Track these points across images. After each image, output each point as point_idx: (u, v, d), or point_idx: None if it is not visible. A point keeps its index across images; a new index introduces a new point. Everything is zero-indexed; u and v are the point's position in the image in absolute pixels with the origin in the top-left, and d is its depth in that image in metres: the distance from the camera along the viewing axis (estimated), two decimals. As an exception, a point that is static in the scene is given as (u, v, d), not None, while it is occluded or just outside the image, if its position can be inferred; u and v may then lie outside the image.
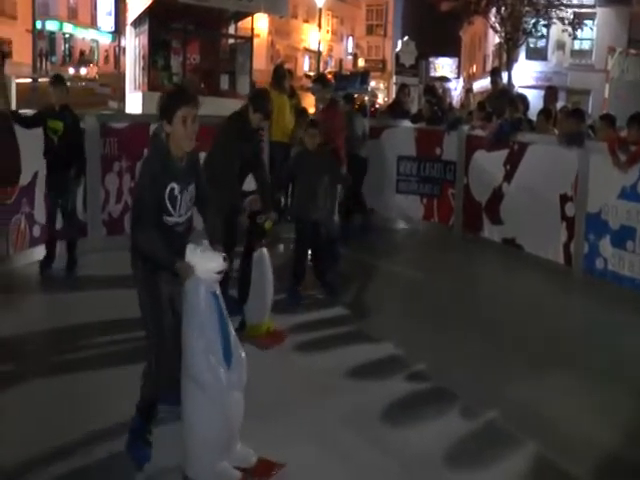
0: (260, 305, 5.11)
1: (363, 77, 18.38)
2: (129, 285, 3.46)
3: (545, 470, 3.60)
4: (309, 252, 6.24)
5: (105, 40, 51.28)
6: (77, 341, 4.96)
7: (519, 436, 3.88)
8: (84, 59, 46.40)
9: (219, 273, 3.17)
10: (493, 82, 10.33)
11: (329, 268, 6.27)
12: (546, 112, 8.43)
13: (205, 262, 3.15)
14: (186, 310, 3.18)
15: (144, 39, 22.60)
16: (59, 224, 6.64)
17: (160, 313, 3.36)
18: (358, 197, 8.59)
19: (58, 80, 6.66)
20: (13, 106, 12.01)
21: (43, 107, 6.53)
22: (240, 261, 5.33)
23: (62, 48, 49.62)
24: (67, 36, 50.21)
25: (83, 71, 40.79)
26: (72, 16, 49.89)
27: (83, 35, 50.93)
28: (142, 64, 23.07)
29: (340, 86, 15.68)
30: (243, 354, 3.25)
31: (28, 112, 6.67)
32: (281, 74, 8.53)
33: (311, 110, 9.29)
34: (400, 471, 3.50)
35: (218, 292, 3.22)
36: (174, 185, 3.29)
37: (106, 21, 48.78)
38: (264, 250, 5.11)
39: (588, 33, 34.53)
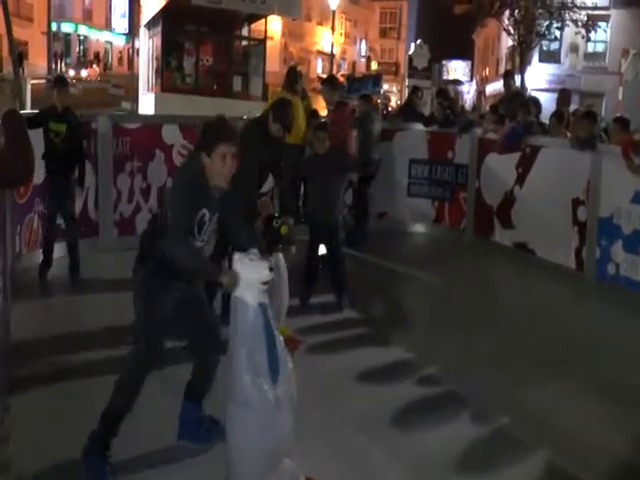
0: (275, 310, 5.07)
1: (376, 80, 18.37)
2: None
3: (554, 476, 3.58)
4: (322, 255, 6.23)
5: (119, 42, 51.63)
6: (84, 344, 4.94)
7: (529, 441, 3.86)
8: (85, 60, 46.69)
9: (265, 284, 3.07)
10: (506, 85, 10.27)
11: (341, 271, 6.26)
12: (558, 115, 8.36)
13: (250, 272, 3.03)
14: (232, 325, 3.05)
15: (157, 41, 22.74)
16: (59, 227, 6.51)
17: (155, 323, 3.35)
18: (362, 200, 8.51)
19: (61, 82, 6.57)
20: (28, 106, 12.11)
21: (45, 108, 6.40)
22: None
23: (77, 50, 49.97)
24: (82, 38, 50.56)
25: (84, 73, 41.00)
26: (87, 18, 50.25)
27: (97, 37, 51.29)
28: (155, 65, 23.21)
29: (353, 88, 15.70)
30: (291, 365, 3.11)
31: (28, 112, 6.61)
32: (294, 76, 8.53)
33: (323, 112, 9.28)
34: (409, 475, 3.49)
35: (267, 303, 3.11)
36: (206, 211, 3.31)
37: (120, 23, 49.20)
38: (280, 255, 5.09)
39: (602, 35, 34.42)
